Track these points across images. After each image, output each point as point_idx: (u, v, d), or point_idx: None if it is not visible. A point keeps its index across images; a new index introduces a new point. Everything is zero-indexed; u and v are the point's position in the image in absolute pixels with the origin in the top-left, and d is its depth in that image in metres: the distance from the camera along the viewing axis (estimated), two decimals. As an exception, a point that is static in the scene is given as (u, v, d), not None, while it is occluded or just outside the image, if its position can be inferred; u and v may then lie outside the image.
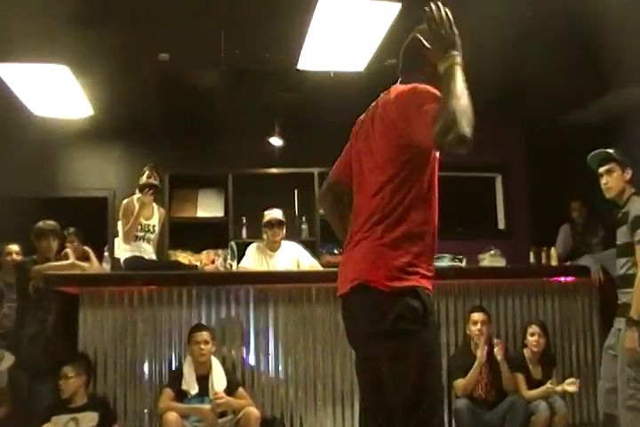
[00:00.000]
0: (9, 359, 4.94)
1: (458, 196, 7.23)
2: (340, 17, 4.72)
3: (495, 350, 4.70)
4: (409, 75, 2.63)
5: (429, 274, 2.48)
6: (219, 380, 4.52)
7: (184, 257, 7.03)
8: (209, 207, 7.54)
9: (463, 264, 5.29)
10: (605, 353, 4.13)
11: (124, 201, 5.41)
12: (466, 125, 2.26)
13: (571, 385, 4.65)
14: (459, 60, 2.35)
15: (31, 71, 5.63)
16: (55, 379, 4.37)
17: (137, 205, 5.32)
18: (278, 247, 5.66)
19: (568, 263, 5.91)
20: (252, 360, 4.83)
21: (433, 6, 2.40)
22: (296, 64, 5.57)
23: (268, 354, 4.83)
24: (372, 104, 2.70)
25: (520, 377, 4.76)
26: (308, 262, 5.63)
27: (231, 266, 5.26)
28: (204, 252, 7.17)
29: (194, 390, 4.44)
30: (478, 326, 4.75)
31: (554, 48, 5.53)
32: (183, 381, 4.47)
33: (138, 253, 5.27)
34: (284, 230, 5.72)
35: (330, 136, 7.10)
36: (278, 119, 7.38)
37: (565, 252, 6.39)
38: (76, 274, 4.89)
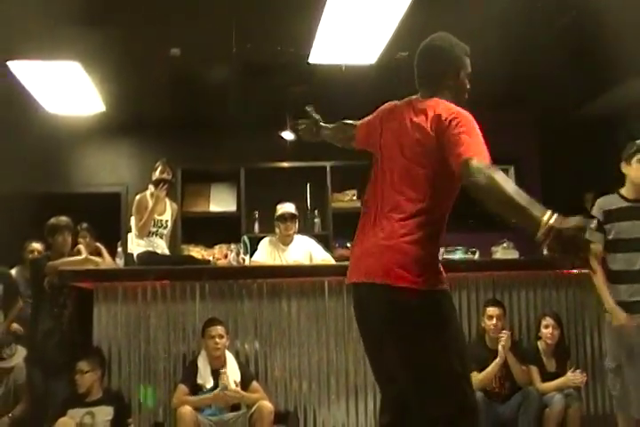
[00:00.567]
0: (22, 352, 4.98)
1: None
2: (351, 10, 4.71)
3: (502, 341, 4.68)
4: (436, 87, 2.71)
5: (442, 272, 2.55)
6: (233, 374, 4.53)
7: (197, 252, 7.05)
8: (221, 202, 7.56)
9: (476, 257, 5.29)
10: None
11: (137, 196, 5.42)
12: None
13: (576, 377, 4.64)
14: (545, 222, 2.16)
15: (43, 68, 5.66)
16: (70, 374, 4.40)
17: (150, 201, 5.33)
18: (291, 241, 5.66)
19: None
20: (265, 354, 4.83)
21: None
22: (307, 57, 5.57)
23: (281, 348, 4.84)
24: (404, 101, 2.78)
25: (534, 369, 4.74)
26: (321, 256, 5.63)
27: (244, 260, 5.27)
28: (217, 246, 7.19)
29: (209, 383, 4.45)
30: (494, 320, 4.73)
31: (565, 41, 5.50)
32: (198, 375, 4.48)
33: (151, 249, 5.28)
34: (297, 224, 5.72)
35: (341, 129, 7.16)
36: (290, 113, 7.38)
37: (579, 244, 6.34)
38: (90, 269, 4.91)
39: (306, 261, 5.51)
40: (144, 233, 5.30)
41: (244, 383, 4.53)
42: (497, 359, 4.63)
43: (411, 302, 2.45)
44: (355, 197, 7.56)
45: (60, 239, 5.07)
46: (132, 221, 5.44)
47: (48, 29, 4.97)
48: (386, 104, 2.94)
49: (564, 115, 7.56)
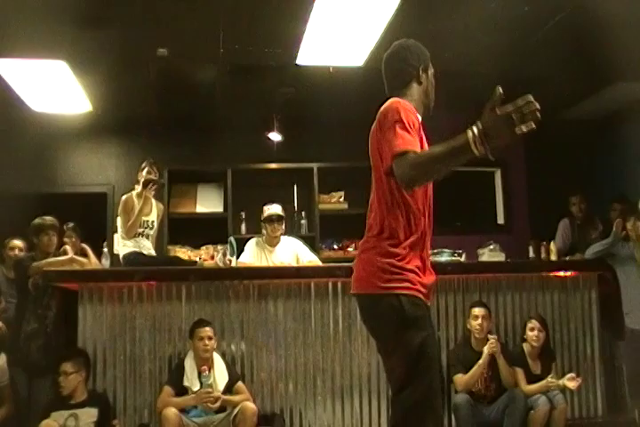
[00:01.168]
0: (2, 358, 4.91)
1: (457, 190, 7.23)
2: (338, 11, 4.72)
3: (491, 347, 4.69)
4: (402, 88, 2.85)
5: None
6: (220, 375, 4.53)
7: (183, 253, 7.03)
8: (208, 203, 7.53)
9: (462, 259, 5.30)
10: None
11: (124, 197, 5.40)
12: (420, 181, 2.50)
13: (570, 381, 4.66)
14: (472, 136, 2.28)
15: (29, 67, 5.62)
16: (54, 375, 4.37)
17: (136, 201, 5.31)
18: (277, 242, 5.66)
19: (567, 258, 5.93)
20: (251, 355, 4.82)
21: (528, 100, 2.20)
22: (295, 59, 5.58)
23: (267, 349, 4.83)
24: None
25: (519, 372, 4.76)
26: (308, 258, 5.63)
27: (230, 261, 5.26)
28: (204, 247, 7.17)
29: (195, 386, 4.43)
30: (479, 320, 4.76)
31: (551, 44, 5.52)
32: (185, 377, 4.47)
33: (137, 249, 5.26)
34: (284, 225, 5.72)
35: (329, 131, 7.18)
36: (277, 114, 7.38)
37: (565, 246, 6.39)
38: (75, 270, 4.89)
39: (292, 263, 5.51)
40: (132, 234, 5.28)
41: (231, 384, 4.52)
42: (480, 361, 4.64)
43: (372, 306, 2.68)
44: (342, 199, 7.56)
45: (45, 239, 5.05)
46: (118, 221, 5.42)
47: (34, 28, 4.94)
48: None
49: (549, 118, 7.55)
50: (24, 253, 5.50)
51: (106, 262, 5.24)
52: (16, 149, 7.01)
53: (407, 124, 2.56)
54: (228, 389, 4.50)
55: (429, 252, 2.78)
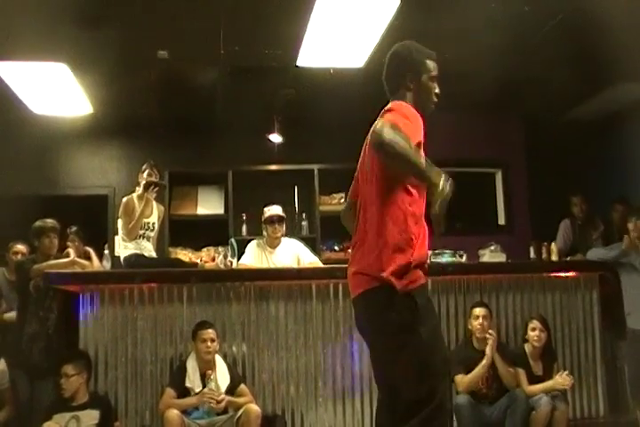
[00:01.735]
0: (1, 362, 4.87)
1: (458, 191, 7.22)
2: (339, 13, 4.72)
3: (489, 342, 4.69)
4: (396, 93, 2.91)
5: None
6: (222, 377, 4.53)
7: (184, 254, 7.03)
8: (209, 204, 7.54)
9: (464, 260, 5.30)
10: None
11: (124, 199, 5.40)
12: (386, 154, 2.55)
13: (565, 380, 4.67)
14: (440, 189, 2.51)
15: (30, 69, 5.63)
16: (56, 377, 4.37)
17: (137, 203, 5.31)
18: (278, 244, 5.66)
19: (569, 258, 5.93)
20: (252, 357, 4.83)
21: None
22: (295, 61, 5.58)
23: (268, 351, 4.83)
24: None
25: (521, 372, 4.76)
26: (309, 259, 5.63)
27: (231, 263, 5.26)
28: (205, 249, 7.18)
29: (198, 387, 4.43)
30: (480, 320, 4.76)
31: (552, 45, 5.53)
32: (187, 378, 4.47)
33: (138, 251, 5.26)
34: (284, 227, 5.72)
35: (329, 132, 7.18)
36: (278, 116, 7.38)
37: (566, 247, 6.39)
38: (76, 272, 4.89)
39: (293, 264, 5.51)
40: (133, 236, 5.28)
41: (233, 386, 4.52)
42: (483, 361, 4.65)
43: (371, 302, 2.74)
44: (342, 201, 7.56)
45: (46, 242, 5.05)
46: (120, 223, 5.42)
47: (35, 31, 4.95)
48: None
49: (550, 119, 7.59)
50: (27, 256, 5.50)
51: (107, 264, 5.24)
52: (17, 151, 7.01)
53: (409, 118, 2.65)
54: (230, 391, 4.50)
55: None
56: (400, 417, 2.68)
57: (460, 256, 5.30)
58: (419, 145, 2.66)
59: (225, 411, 4.44)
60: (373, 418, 4.68)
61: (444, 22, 5.11)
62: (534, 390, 4.69)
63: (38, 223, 5.12)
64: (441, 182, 2.48)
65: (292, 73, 6.04)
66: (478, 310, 4.80)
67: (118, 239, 5.48)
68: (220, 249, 6.61)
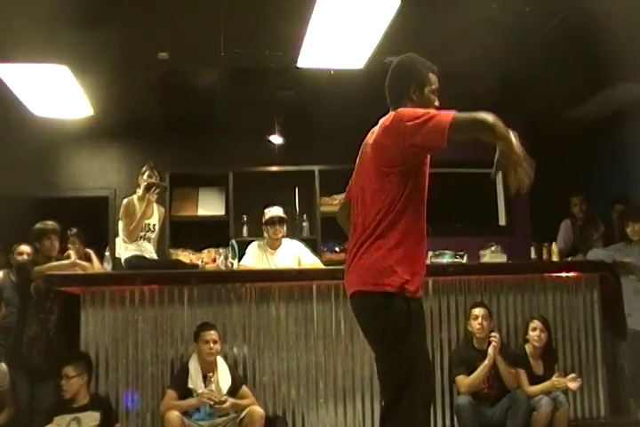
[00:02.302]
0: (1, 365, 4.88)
1: (458, 192, 7.23)
2: (339, 14, 4.72)
3: (492, 343, 4.70)
4: (397, 103, 2.94)
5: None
6: (224, 378, 4.53)
7: (185, 256, 7.04)
8: (210, 206, 7.54)
9: (464, 260, 5.30)
10: None
11: (125, 200, 5.40)
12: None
13: (572, 382, 4.66)
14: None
15: (31, 71, 5.63)
16: (56, 379, 4.37)
17: (137, 204, 5.31)
18: (279, 245, 5.66)
19: (569, 259, 5.93)
20: (253, 358, 4.82)
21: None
22: (296, 62, 5.58)
23: (269, 352, 4.83)
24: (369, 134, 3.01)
25: (522, 373, 4.76)
26: (310, 260, 5.63)
27: (232, 264, 5.27)
28: (205, 250, 7.18)
29: (200, 388, 4.42)
30: (479, 320, 4.76)
31: (552, 45, 5.53)
32: (189, 379, 4.47)
33: (139, 253, 5.26)
34: (285, 228, 5.72)
35: (330, 134, 7.18)
36: (278, 117, 7.38)
37: (566, 247, 6.40)
38: (77, 274, 4.90)
39: (294, 265, 5.51)
40: (134, 237, 5.28)
41: (235, 388, 4.52)
42: (485, 361, 4.65)
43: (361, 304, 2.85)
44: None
45: (47, 244, 5.05)
46: (120, 225, 5.42)
47: (36, 33, 4.95)
48: None
49: (551, 119, 7.60)
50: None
51: (108, 266, 5.25)
52: (18, 153, 7.01)
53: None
54: (232, 393, 4.50)
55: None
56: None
57: (461, 257, 5.30)
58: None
59: (226, 413, 4.44)
60: (375, 419, 4.73)
61: (445, 23, 5.12)
62: (535, 390, 4.69)
63: (39, 225, 5.12)
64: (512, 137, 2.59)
65: (293, 74, 6.05)
66: (477, 311, 4.80)
67: (119, 241, 5.48)
68: (221, 250, 6.63)
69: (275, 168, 7.55)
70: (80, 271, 4.98)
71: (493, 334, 4.72)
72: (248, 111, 6.98)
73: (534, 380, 4.76)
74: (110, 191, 7.63)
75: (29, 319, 4.89)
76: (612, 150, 7.37)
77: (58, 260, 5.04)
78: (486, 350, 4.70)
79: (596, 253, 5.25)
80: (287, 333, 4.86)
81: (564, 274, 5.24)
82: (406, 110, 2.76)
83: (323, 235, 7.34)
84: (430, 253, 5.20)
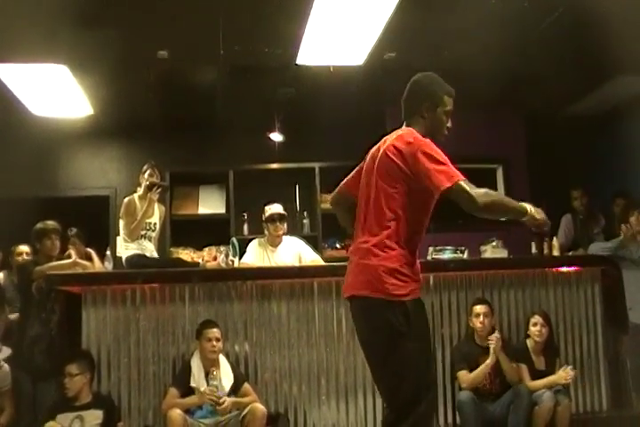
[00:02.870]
0: (5, 352, 4.88)
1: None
2: (338, 11, 4.72)
3: (493, 344, 4.70)
4: (410, 118, 3.04)
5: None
6: (226, 376, 4.53)
7: (186, 254, 7.04)
8: (210, 204, 7.55)
9: (465, 256, 5.30)
10: None
11: (126, 199, 5.41)
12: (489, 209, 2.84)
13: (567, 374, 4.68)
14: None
15: (30, 71, 5.64)
16: (59, 378, 4.38)
17: (138, 203, 5.32)
18: (280, 242, 5.66)
19: (570, 253, 5.93)
20: (255, 356, 4.83)
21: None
22: (295, 59, 5.58)
23: (271, 349, 4.83)
24: (382, 141, 3.05)
25: (523, 368, 4.77)
26: (310, 257, 5.63)
27: (233, 262, 5.27)
28: (206, 249, 7.19)
29: (203, 386, 4.42)
30: (481, 318, 4.76)
31: (551, 41, 5.52)
32: (192, 378, 4.47)
33: (140, 252, 5.26)
34: (286, 225, 5.71)
35: (330, 130, 7.18)
36: (278, 114, 7.38)
37: (567, 242, 6.40)
38: (78, 273, 4.91)
39: (295, 263, 5.51)
40: (135, 236, 5.29)
41: (237, 386, 4.53)
42: (488, 360, 4.65)
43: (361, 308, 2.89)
44: (344, 198, 7.56)
45: (48, 244, 5.06)
46: (121, 224, 5.43)
47: (35, 33, 4.95)
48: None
49: (550, 115, 7.59)
50: (31, 257, 5.51)
51: (109, 265, 5.26)
52: (18, 153, 7.01)
53: (441, 155, 2.81)
54: (234, 390, 4.51)
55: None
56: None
57: (462, 252, 5.29)
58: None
59: (230, 410, 4.45)
60: (377, 416, 4.74)
61: (443, 19, 5.11)
62: (537, 385, 4.69)
63: (39, 225, 5.13)
64: (531, 211, 2.93)
65: (292, 71, 6.04)
66: (479, 308, 4.80)
67: (120, 240, 5.49)
68: (222, 248, 6.62)
69: (275, 165, 7.56)
70: (81, 271, 4.99)
71: (494, 335, 4.71)
72: (248, 109, 6.98)
73: (536, 375, 4.76)
74: (111, 190, 7.63)
75: (31, 319, 4.90)
76: (611, 145, 7.37)
77: (59, 259, 5.05)
78: (488, 347, 4.69)
79: (596, 247, 5.24)
80: (288, 330, 4.86)
81: (565, 268, 5.24)
82: (425, 144, 2.83)
83: (323, 232, 7.34)
84: (431, 249, 5.20)
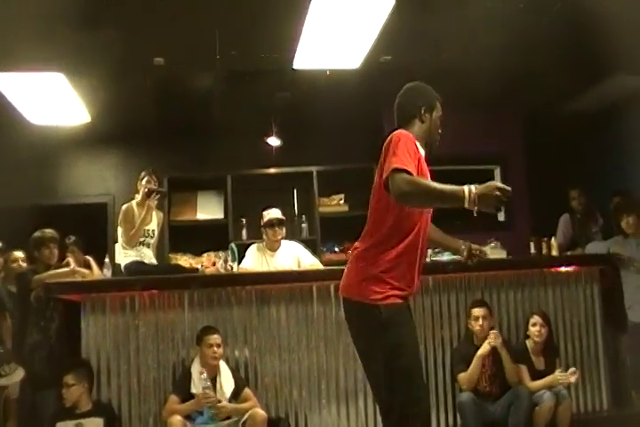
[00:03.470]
0: (20, 373, 4.83)
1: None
2: (334, 15, 4.72)
3: (491, 340, 4.70)
4: (407, 123, 3.12)
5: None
6: (227, 382, 4.53)
7: (185, 260, 7.04)
8: (208, 209, 7.55)
9: (464, 257, 5.30)
10: None
11: (124, 206, 5.42)
12: (412, 200, 2.75)
13: (572, 375, 4.66)
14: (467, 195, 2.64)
15: (27, 80, 5.64)
16: (58, 387, 4.38)
17: (136, 210, 5.33)
18: (278, 247, 5.66)
19: (569, 253, 5.93)
20: (255, 361, 4.83)
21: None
22: (291, 63, 5.58)
23: (271, 354, 4.83)
24: None
25: (523, 368, 4.77)
26: (309, 261, 5.63)
27: (232, 268, 5.27)
28: (205, 254, 7.19)
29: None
30: (480, 321, 4.76)
31: (548, 39, 5.52)
32: (192, 384, 4.46)
33: (138, 258, 5.27)
34: (284, 230, 5.72)
35: (327, 134, 7.20)
36: (275, 119, 7.39)
37: (566, 241, 6.40)
38: (77, 281, 4.91)
39: (294, 267, 5.51)
40: (133, 243, 5.30)
41: (237, 391, 4.53)
42: (478, 352, 4.65)
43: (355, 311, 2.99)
44: (342, 202, 7.58)
45: (46, 252, 5.07)
46: (119, 231, 5.43)
47: (31, 40, 4.96)
48: None
49: (549, 113, 7.59)
50: (26, 264, 5.50)
51: (107, 272, 5.26)
52: (15, 161, 7.02)
53: (407, 149, 2.79)
54: (235, 396, 4.51)
55: (423, 261, 3.06)
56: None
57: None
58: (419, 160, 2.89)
59: (229, 415, 4.45)
60: (377, 420, 4.73)
61: (439, 21, 5.11)
62: (537, 385, 4.69)
63: (37, 234, 5.14)
64: (465, 195, 2.61)
65: (289, 76, 6.04)
66: (477, 311, 4.80)
67: (118, 247, 5.49)
68: (221, 254, 6.63)
69: (272, 170, 7.56)
70: (80, 279, 4.99)
71: (492, 331, 4.71)
72: (245, 114, 6.98)
73: (536, 375, 4.76)
74: (109, 197, 7.64)
75: (30, 328, 4.90)
76: (609, 144, 7.37)
77: (57, 268, 5.05)
78: (487, 347, 4.71)
79: (594, 246, 5.25)
80: (288, 334, 4.87)
81: (563, 268, 5.25)
82: (403, 135, 2.88)
83: (322, 235, 7.34)
84: (430, 252, 5.20)
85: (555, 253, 5.63)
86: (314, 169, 7.43)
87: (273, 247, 5.65)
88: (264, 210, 5.76)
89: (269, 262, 5.57)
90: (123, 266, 5.27)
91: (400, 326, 2.91)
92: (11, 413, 4.89)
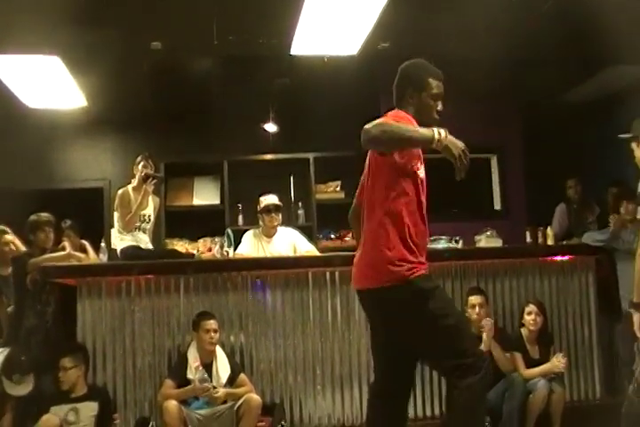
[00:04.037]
0: (29, 384, 4.69)
1: (453, 177, 7.22)
2: (332, 1, 4.70)
3: (485, 330, 4.71)
4: (400, 103, 3.14)
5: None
6: (223, 367, 4.54)
7: (181, 246, 7.05)
8: (205, 195, 7.55)
9: (460, 246, 5.31)
10: None
11: (120, 191, 5.40)
12: (376, 141, 2.80)
13: (561, 361, 4.70)
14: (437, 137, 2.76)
15: (22, 63, 5.62)
16: (55, 370, 4.38)
17: (132, 195, 5.31)
18: (275, 233, 5.66)
19: (564, 242, 5.94)
20: (250, 346, 4.84)
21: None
22: (289, 49, 5.57)
23: (266, 340, 4.84)
24: None
25: (518, 356, 4.78)
26: (305, 248, 5.63)
27: (228, 253, 5.27)
28: (201, 240, 7.20)
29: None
30: (476, 309, 4.77)
31: (547, 28, 5.51)
32: (188, 369, 4.47)
33: (134, 243, 5.26)
34: (281, 216, 5.71)
35: (324, 121, 7.18)
36: (272, 105, 7.38)
37: (562, 231, 6.41)
38: (73, 265, 4.90)
39: (290, 253, 5.51)
40: (130, 228, 5.29)
41: (233, 376, 4.54)
42: (480, 347, 4.66)
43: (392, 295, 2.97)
44: (338, 189, 7.59)
45: (41, 236, 5.05)
46: (115, 215, 5.43)
47: (26, 23, 4.93)
48: None
49: (546, 103, 7.59)
50: (16, 248, 5.46)
51: (103, 257, 5.25)
52: (11, 145, 7.02)
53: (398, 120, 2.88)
54: (230, 381, 4.52)
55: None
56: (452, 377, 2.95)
57: (457, 242, 5.31)
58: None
59: (225, 400, 4.46)
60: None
61: (437, 8, 5.11)
62: (531, 373, 4.70)
63: (33, 217, 5.12)
64: (434, 135, 2.74)
65: (286, 62, 6.04)
66: (474, 299, 4.81)
67: (114, 232, 5.49)
68: (217, 239, 6.64)
69: (269, 156, 7.56)
70: (76, 263, 4.98)
71: (487, 319, 4.72)
72: (242, 99, 6.97)
73: (530, 363, 4.77)
74: (105, 182, 7.63)
75: (26, 311, 4.89)
76: (608, 133, 7.34)
77: (53, 252, 5.04)
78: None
79: (590, 236, 5.25)
80: (284, 320, 4.87)
81: (559, 258, 5.25)
82: (388, 115, 2.96)
83: (318, 222, 7.35)
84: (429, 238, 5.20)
85: (550, 242, 5.65)
86: (311, 155, 7.43)
87: (269, 233, 5.65)
88: (261, 195, 5.75)
89: (265, 248, 5.57)
90: (119, 250, 5.27)
91: (435, 291, 3.00)
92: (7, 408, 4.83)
